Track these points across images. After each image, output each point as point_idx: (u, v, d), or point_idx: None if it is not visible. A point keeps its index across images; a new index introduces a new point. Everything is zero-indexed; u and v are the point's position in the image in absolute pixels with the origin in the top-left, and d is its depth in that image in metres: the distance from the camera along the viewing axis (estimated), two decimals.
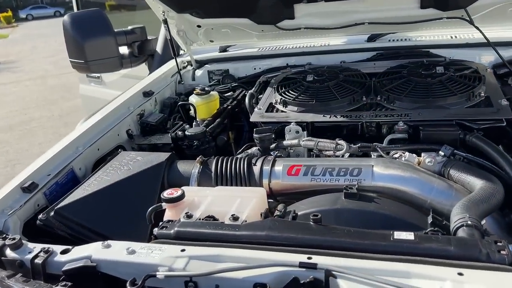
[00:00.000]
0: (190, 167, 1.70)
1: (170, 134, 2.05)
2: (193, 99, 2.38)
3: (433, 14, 2.29)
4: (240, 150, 2.03)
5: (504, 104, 1.66)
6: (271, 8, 2.43)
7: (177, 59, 2.97)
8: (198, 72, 2.87)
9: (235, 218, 1.31)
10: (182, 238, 1.28)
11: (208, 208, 1.40)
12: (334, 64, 2.50)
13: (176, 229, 1.29)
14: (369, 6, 2.35)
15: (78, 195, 1.60)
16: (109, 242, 1.26)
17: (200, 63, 2.90)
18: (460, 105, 1.71)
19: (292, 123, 1.81)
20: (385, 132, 1.75)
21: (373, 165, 1.47)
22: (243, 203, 1.40)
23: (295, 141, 1.72)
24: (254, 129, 1.79)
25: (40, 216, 1.53)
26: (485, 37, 2.22)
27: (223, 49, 2.93)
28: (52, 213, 1.53)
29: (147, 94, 2.44)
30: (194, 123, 2.32)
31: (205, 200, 1.45)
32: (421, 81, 1.84)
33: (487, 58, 2.33)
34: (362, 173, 1.46)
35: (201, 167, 1.67)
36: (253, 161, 1.64)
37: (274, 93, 2.10)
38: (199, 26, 2.63)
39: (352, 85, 1.94)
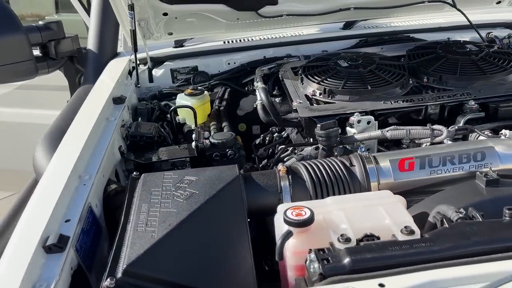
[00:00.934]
0: (273, 179, 1.32)
1: (196, 144, 1.61)
2: (186, 101, 1.94)
3: None
4: (277, 157, 1.71)
5: None
6: None
7: (119, 58, 2.45)
8: (157, 72, 2.38)
9: (410, 231, 1.03)
10: (361, 269, 0.96)
11: (354, 225, 1.09)
12: (314, 54, 2.33)
13: (349, 258, 0.96)
14: None
15: (144, 242, 1.09)
16: None
17: (155, 61, 2.41)
18: (510, 80, 1.71)
19: (356, 113, 1.57)
20: (447, 114, 1.64)
21: (493, 146, 1.33)
22: (391, 212, 1.12)
23: (376, 133, 1.49)
24: (319, 125, 1.50)
25: (105, 283, 0.99)
26: (467, 19, 2.31)
27: (180, 44, 2.50)
28: (119, 275, 1.02)
29: (118, 100, 1.90)
30: (196, 130, 1.89)
31: (337, 216, 1.12)
32: (465, 59, 1.78)
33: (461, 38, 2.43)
34: (487, 157, 1.31)
35: (290, 177, 1.31)
36: (346, 161, 1.36)
37: (302, 83, 1.82)
38: (165, 14, 2.17)
39: (395, 68, 1.79)
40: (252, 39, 2.50)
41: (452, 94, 1.65)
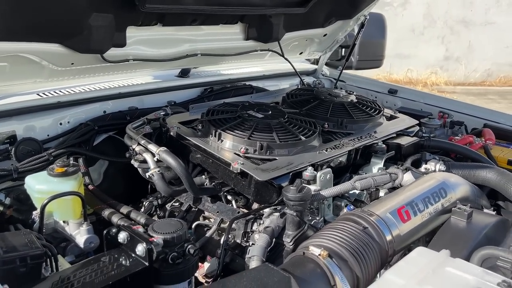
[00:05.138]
0: (314, 267, 1.01)
1: (148, 247, 1.05)
2: (57, 186, 1.27)
3: (253, 46, 2.29)
4: (226, 235, 1.34)
5: None
6: (101, 30, 1.63)
7: None
8: None
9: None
10: None
11: None
12: (161, 106, 2.02)
13: None
14: (203, 36, 2.06)
15: None
16: None
17: None
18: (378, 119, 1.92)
19: (309, 168, 1.41)
20: (359, 156, 1.69)
21: (443, 181, 1.45)
22: (461, 267, 1.06)
23: (346, 186, 1.36)
24: (292, 188, 1.26)
25: None
26: (293, 66, 2.50)
27: None
28: None
29: None
30: (84, 226, 1.28)
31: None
32: (348, 103, 1.89)
33: (284, 85, 2.60)
34: (447, 190, 1.42)
35: (332, 259, 1.03)
36: (355, 225, 1.19)
37: (220, 141, 1.49)
38: None
39: (302, 115, 1.71)
40: (81, 90, 1.91)
41: (360, 137, 1.71)
